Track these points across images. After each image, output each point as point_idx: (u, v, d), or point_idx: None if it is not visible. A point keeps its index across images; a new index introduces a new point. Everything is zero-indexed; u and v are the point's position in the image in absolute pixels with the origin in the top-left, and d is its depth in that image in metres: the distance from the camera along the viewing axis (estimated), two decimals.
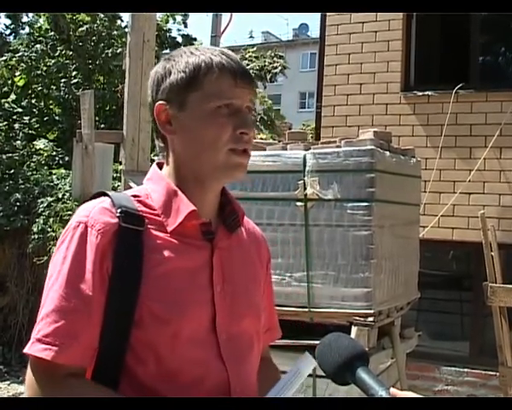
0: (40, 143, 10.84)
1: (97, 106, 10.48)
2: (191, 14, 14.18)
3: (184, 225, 1.39)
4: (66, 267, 1.32)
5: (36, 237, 8.38)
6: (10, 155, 10.06)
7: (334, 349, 1.30)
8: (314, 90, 9.00)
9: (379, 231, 3.82)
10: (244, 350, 1.45)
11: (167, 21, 13.52)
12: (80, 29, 12.25)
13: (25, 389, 1.34)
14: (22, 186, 9.31)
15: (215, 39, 12.02)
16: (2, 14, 13.38)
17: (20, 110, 11.77)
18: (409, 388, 4.04)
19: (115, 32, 12.58)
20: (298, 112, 35.41)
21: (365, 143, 3.86)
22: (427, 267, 6.00)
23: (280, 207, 3.96)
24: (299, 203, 3.90)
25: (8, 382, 8.01)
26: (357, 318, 3.77)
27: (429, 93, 6.97)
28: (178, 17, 13.67)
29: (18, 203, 9.02)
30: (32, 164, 10.12)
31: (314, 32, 38.62)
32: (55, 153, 10.72)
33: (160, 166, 1.50)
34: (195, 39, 14.10)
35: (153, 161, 1.44)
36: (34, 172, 9.78)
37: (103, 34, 12.41)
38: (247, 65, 13.66)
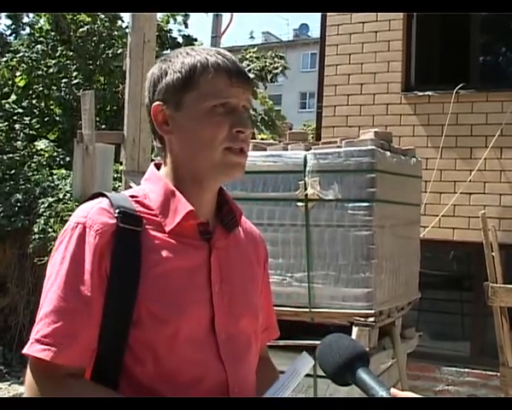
0: (41, 144, 10.85)
1: (98, 106, 10.50)
2: (192, 15, 14.21)
3: (182, 225, 1.40)
4: (65, 268, 1.32)
5: (36, 237, 8.39)
6: (11, 155, 10.07)
7: (334, 350, 1.30)
8: (315, 91, 9.01)
9: (380, 232, 3.82)
10: (242, 350, 1.45)
11: (168, 22, 13.53)
12: (81, 30, 12.26)
13: (24, 389, 1.35)
14: (23, 187, 9.31)
15: (215, 40, 12.03)
16: (3, 15, 13.41)
17: (20, 111, 11.78)
18: (409, 388, 4.04)
19: (116, 33, 12.60)
20: (298, 112, 35.41)
21: (366, 144, 3.86)
22: (427, 267, 6.00)
23: (281, 207, 3.97)
24: (299, 203, 3.90)
25: (8, 382, 8.02)
26: (358, 318, 3.77)
27: (430, 93, 6.97)
28: (179, 17, 13.68)
29: (19, 204, 9.03)
30: (33, 164, 10.13)
31: (314, 33, 38.66)
32: (55, 153, 10.73)
33: (158, 166, 1.50)
34: (196, 40, 14.12)
35: (153, 161, 1.45)
36: (35, 173, 9.79)
37: (104, 35, 12.42)
38: (248, 65, 13.66)
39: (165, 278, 1.36)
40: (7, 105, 11.73)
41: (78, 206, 1.43)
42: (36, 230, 8.47)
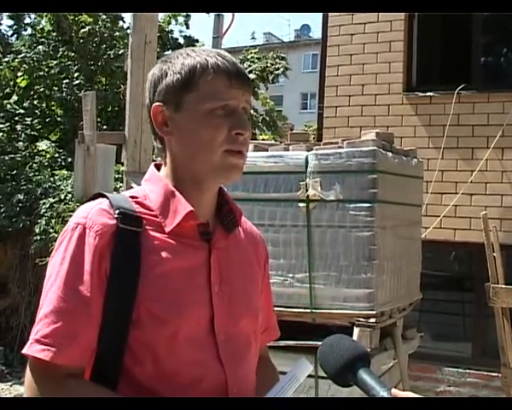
0: (42, 145, 10.86)
1: (99, 107, 10.49)
2: (193, 16, 14.21)
3: (182, 226, 1.40)
4: (65, 268, 1.33)
5: (38, 238, 8.40)
6: (12, 156, 10.08)
7: (335, 351, 1.30)
8: (316, 91, 9.02)
9: (381, 232, 3.82)
10: (241, 350, 1.46)
11: (169, 22, 13.53)
12: (82, 30, 12.27)
13: (24, 389, 1.35)
14: (24, 187, 9.32)
15: (217, 40, 12.03)
16: (5, 16, 13.41)
17: (22, 111, 11.79)
18: (411, 389, 4.04)
19: (117, 34, 12.61)
20: (300, 113, 35.39)
21: (367, 144, 3.85)
22: (429, 268, 5.99)
23: (282, 208, 3.96)
24: (301, 204, 3.90)
25: (10, 383, 8.03)
26: (360, 319, 3.77)
27: (431, 94, 6.97)
28: (180, 18, 13.68)
29: (20, 204, 9.04)
30: (35, 165, 10.14)
31: (316, 33, 38.66)
32: (57, 154, 10.73)
33: (158, 167, 1.51)
34: (197, 40, 14.12)
35: (155, 162, 1.44)
36: (36, 174, 9.80)
37: (105, 35, 12.43)
38: (249, 66, 13.65)
39: (164, 278, 1.36)
40: (8, 106, 11.75)
41: (79, 206, 1.43)
42: (37, 230, 8.47)
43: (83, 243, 1.34)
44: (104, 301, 1.32)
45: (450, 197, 6.67)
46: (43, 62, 11.99)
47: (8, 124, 11.13)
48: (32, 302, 8.49)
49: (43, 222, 8.53)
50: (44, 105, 12.27)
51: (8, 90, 12.23)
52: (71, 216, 1.42)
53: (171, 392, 1.33)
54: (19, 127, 11.45)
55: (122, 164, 6.45)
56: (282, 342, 3.23)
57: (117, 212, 1.36)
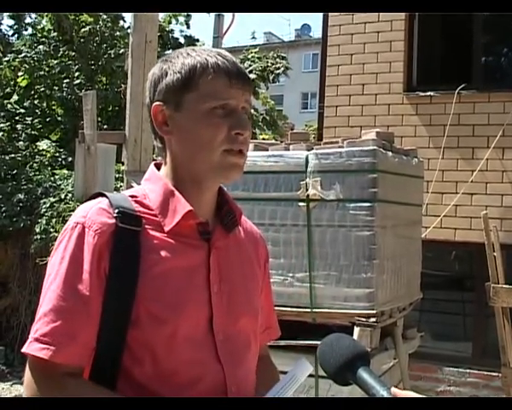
0: (43, 144, 10.86)
1: (100, 106, 10.50)
2: (194, 15, 14.20)
3: (181, 225, 1.40)
4: (64, 267, 1.33)
5: (38, 237, 8.40)
6: (13, 155, 10.08)
7: (335, 350, 1.30)
8: (316, 91, 9.02)
9: (381, 232, 3.82)
10: (241, 350, 1.45)
11: (170, 22, 13.53)
12: (83, 30, 12.27)
13: (23, 388, 1.35)
14: (25, 187, 9.32)
15: (217, 40, 12.04)
16: (6, 15, 13.41)
17: (22, 111, 11.79)
18: (411, 388, 4.04)
19: (118, 33, 12.61)
20: (300, 112, 35.38)
21: (368, 144, 3.85)
22: (429, 268, 5.99)
23: (282, 207, 3.97)
24: (301, 204, 3.90)
25: (10, 382, 8.02)
26: (360, 318, 3.77)
27: (432, 93, 6.96)
28: (181, 18, 13.68)
29: (21, 204, 9.04)
30: (35, 165, 10.14)
31: (316, 33, 38.64)
32: (57, 153, 10.73)
33: (159, 166, 1.51)
34: (198, 40, 14.11)
35: (155, 161, 1.44)
36: (37, 173, 9.80)
37: (106, 35, 12.43)
38: (250, 66, 13.64)
39: (163, 277, 1.36)
40: (9, 105, 11.75)
41: (79, 206, 1.44)
42: (38, 230, 8.47)
43: (82, 242, 1.34)
44: (103, 300, 1.32)
45: (451, 197, 6.66)
46: (44, 62, 12.00)
47: (8, 123, 11.14)
48: (33, 302, 8.48)
49: (44, 222, 8.53)
50: (45, 105, 12.27)
51: (8, 89, 12.24)
52: (71, 215, 1.42)
53: (170, 392, 1.33)
54: (19, 127, 11.45)
55: (122, 163, 6.45)
56: (283, 342, 3.23)
57: (116, 211, 1.36)
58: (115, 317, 1.32)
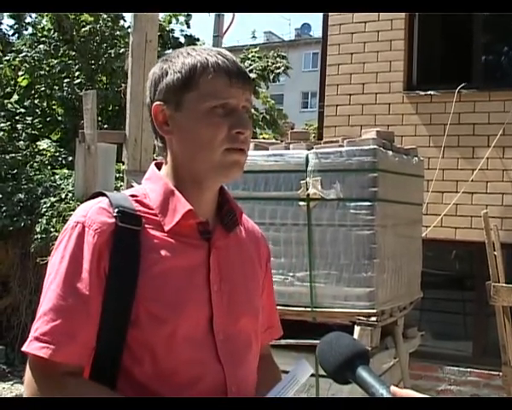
0: (43, 144, 10.86)
1: (100, 106, 10.50)
2: (194, 15, 14.19)
3: (181, 225, 1.40)
4: (64, 267, 1.33)
5: (39, 237, 8.40)
6: (13, 155, 10.08)
7: (334, 348, 1.30)
8: (316, 90, 9.01)
9: (381, 231, 3.82)
10: (241, 350, 1.45)
11: (170, 22, 13.53)
12: (83, 29, 12.26)
13: (24, 387, 1.35)
14: (25, 186, 9.32)
15: (217, 39, 12.03)
16: (6, 15, 13.41)
17: (22, 110, 11.79)
18: (412, 387, 4.04)
19: (118, 33, 12.60)
20: (300, 112, 35.36)
21: (368, 143, 3.86)
22: (429, 267, 5.99)
23: (282, 206, 3.97)
24: (301, 203, 3.90)
25: (11, 382, 8.03)
26: (360, 317, 3.77)
27: (432, 92, 6.96)
28: (181, 17, 13.68)
29: (21, 203, 9.04)
30: (35, 164, 10.14)
31: (316, 32, 38.63)
32: (57, 153, 10.73)
33: (159, 165, 1.51)
34: (198, 40, 14.10)
35: (155, 160, 1.44)
36: (37, 173, 9.80)
37: (106, 34, 12.42)
38: (250, 65, 13.63)
39: (163, 277, 1.36)
40: (9, 105, 11.74)
41: (79, 205, 1.44)
42: (38, 229, 8.48)
43: (82, 241, 1.34)
44: (103, 299, 1.32)
45: (451, 196, 6.66)
46: (44, 61, 11.99)
47: (8, 123, 11.13)
48: (33, 301, 8.48)
49: (44, 221, 8.53)
50: (45, 104, 12.27)
51: (9, 89, 12.24)
52: (71, 215, 1.42)
53: (170, 391, 1.33)
54: (19, 126, 11.45)
55: (123, 163, 6.45)
56: (283, 341, 3.23)
57: (116, 210, 1.36)
58: (115, 316, 1.32)
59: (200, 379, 1.36)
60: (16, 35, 13.85)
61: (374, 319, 3.76)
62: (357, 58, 7.29)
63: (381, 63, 7.17)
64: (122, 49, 11.55)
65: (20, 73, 11.90)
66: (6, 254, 9.12)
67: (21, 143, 10.85)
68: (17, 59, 11.94)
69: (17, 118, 11.61)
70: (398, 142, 5.05)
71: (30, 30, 13.57)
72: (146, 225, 1.38)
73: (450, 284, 7.38)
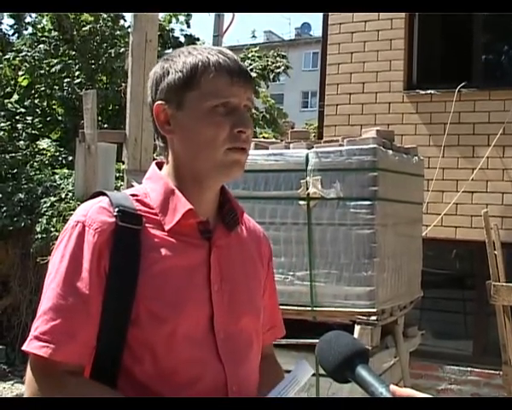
0: (43, 143, 10.87)
1: (100, 106, 10.49)
2: (194, 14, 14.19)
3: (182, 224, 1.39)
4: (64, 266, 1.33)
5: (39, 236, 8.41)
6: (13, 154, 10.09)
7: (333, 347, 1.30)
8: (316, 90, 9.00)
9: (382, 230, 3.82)
10: (242, 349, 1.45)
11: (170, 21, 13.52)
12: (83, 29, 12.26)
13: (24, 386, 1.35)
14: (25, 186, 9.33)
15: (217, 39, 12.02)
16: (6, 15, 13.41)
17: (23, 110, 11.79)
18: (412, 387, 4.03)
19: (118, 32, 12.59)
20: (300, 111, 35.34)
21: (368, 142, 3.86)
22: (430, 266, 5.99)
23: (282, 206, 3.97)
24: (301, 202, 3.90)
25: (11, 382, 8.03)
26: (360, 316, 3.77)
27: (432, 92, 6.96)
28: (181, 17, 13.67)
29: (21, 203, 9.04)
30: (35, 164, 10.14)
31: (316, 32, 38.66)
32: (57, 153, 10.73)
33: (160, 165, 1.50)
34: (198, 39, 14.09)
35: (156, 160, 1.45)
36: (37, 172, 9.80)
37: (106, 34, 12.42)
38: (250, 64, 13.62)
39: (164, 276, 1.35)
40: (9, 104, 11.74)
41: (80, 205, 1.44)
42: (38, 229, 8.48)
43: (82, 240, 1.34)
44: (103, 299, 1.32)
45: (451, 195, 6.66)
46: (44, 61, 11.99)
47: (9, 123, 11.14)
48: (34, 301, 8.48)
49: (44, 221, 8.53)
50: (45, 104, 12.27)
51: (9, 89, 12.23)
52: (72, 215, 1.42)
53: (170, 390, 1.33)
54: (20, 126, 11.45)
55: (123, 162, 6.45)
56: (283, 341, 3.23)
57: (116, 210, 1.36)
58: (115, 315, 1.32)
59: (200, 378, 1.36)
60: (16, 35, 13.84)
61: (374, 318, 3.76)
62: (358, 57, 7.29)
63: (381, 62, 7.17)
64: (122, 49, 11.55)
65: (20, 73, 11.89)
66: (6, 254, 9.13)
67: (21, 142, 10.86)
68: (17, 59, 11.94)
69: (17, 117, 11.61)
70: (399, 141, 5.05)
71: (30, 30, 13.56)
72: (146, 225, 1.38)
73: (450, 283, 7.38)
